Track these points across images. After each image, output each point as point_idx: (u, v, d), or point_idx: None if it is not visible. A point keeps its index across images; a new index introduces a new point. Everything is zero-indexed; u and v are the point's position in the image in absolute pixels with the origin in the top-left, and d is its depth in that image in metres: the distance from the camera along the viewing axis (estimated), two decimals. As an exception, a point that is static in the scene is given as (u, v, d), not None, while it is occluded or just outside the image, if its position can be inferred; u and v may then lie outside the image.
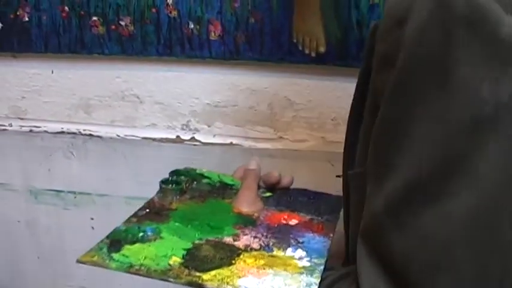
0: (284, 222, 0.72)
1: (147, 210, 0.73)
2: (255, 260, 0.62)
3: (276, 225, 0.70)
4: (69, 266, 1.52)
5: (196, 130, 1.37)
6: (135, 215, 0.71)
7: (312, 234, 0.68)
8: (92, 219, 1.50)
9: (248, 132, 1.33)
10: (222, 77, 1.31)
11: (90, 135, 1.41)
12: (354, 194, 0.61)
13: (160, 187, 0.79)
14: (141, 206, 0.74)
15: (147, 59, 1.32)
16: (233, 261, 0.62)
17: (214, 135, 1.36)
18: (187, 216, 0.72)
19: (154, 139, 1.38)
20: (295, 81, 1.30)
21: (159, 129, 1.39)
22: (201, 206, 0.75)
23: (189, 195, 0.78)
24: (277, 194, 0.80)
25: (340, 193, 0.68)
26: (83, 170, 1.45)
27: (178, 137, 1.37)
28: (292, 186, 0.81)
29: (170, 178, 0.81)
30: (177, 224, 0.70)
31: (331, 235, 0.69)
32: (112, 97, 1.39)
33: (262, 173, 0.79)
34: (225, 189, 0.80)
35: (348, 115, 0.64)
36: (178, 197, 0.77)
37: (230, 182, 0.81)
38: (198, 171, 0.82)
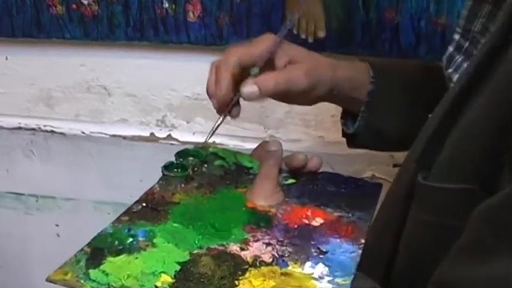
0: (306, 221, 0.65)
1: (144, 204, 0.66)
2: (264, 281, 0.54)
3: (295, 227, 0.64)
4: (35, 277, 1.49)
5: (174, 127, 1.30)
6: (128, 211, 0.65)
7: (338, 240, 0.61)
8: (57, 225, 1.45)
9: (234, 130, 1.24)
10: (203, 65, 1.06)
11: (52, 131, 1.34)
12: (424, 212, 0.55)
13: (163, 173, 0.72)
14: (139, 197, 0.68)
15: (115, 44, 1.22)
16: (236, 282, 0.54)
17: (194, 133, 1.28)
18: (190, 213, 0.65)
19: (125, 137, 1.30)
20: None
21: (131, 126, 1.32)
22: (208, 198, 0.69)
23: (197, 182, 0.72)
24: (302, 180, 0.73)
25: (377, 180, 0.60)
26: (45, 170, 1.39)
27: (152, 134, 1.29)
28: (320, 170, 0.75)
29: (175, 161, 0.74)
30: (175, 224, 0.63)
31: (362, 241, 0.61)
32: (76, 88, 1.31)
33: (285, 155, 0.73)
34: (240, 174, 0.74)
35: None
36: (183, 185, 0.71)
37: (248, 164, 0.75)
38: (211, 150, 0.76)
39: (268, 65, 0.70)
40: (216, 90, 0.69)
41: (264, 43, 0.70)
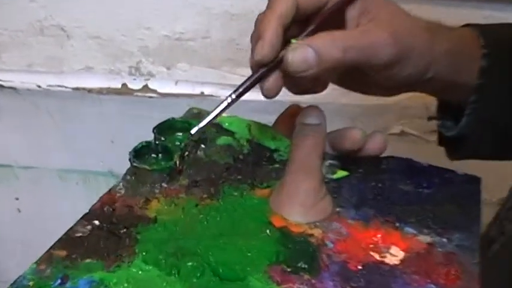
0: (376, 256, 0.43)
1: (95, 222, 0.47)
2: None
3: (359, 268, 0.43)
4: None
5: (151, 75, 1.18)
6: (66, 238, 0.45)
7: None
8: (17, 199, 1.36)
9: (226, 77, 1.15)
10: None
11: (1, 85, 1.22)
12: None
13: (131, 164, 0.51)
14: (84, 212, 0.48)
15: None
16: None
17: (176, 82, 1.17)
18: (174, 240, 0.45)
19: (90, 90, 1.19)
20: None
21: (97, 75, 1.19)
22: (206, 209, 0.48)
23: (187, 178, 0.51)
24: (359, 173, 0.53)
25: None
26: (-3, 134, 1.29)
27: (124, 85, 1.18)
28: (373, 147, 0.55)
29: (154, 142, 0.53)
30: (147, 267, 0.43)
31: None
32: (26, 31, 1.17)
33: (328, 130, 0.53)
34: (258, 161, 0.53)
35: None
36: (164, 184, 0.51)
37: (270, 144, 0.55)
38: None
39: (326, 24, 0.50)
40: (256, 48, 0.48)
41: None
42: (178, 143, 0.54)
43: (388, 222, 0.47)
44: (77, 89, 1.19)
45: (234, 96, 0.48)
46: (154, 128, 0.54)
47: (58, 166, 1.28)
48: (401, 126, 1.07)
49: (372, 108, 1.02)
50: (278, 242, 0.45)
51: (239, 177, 0.52)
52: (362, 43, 0.48)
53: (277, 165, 0.53)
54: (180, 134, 0.55)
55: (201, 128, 0.49)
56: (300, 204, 0.47)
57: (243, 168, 0.53)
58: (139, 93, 1.18)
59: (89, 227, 0.46)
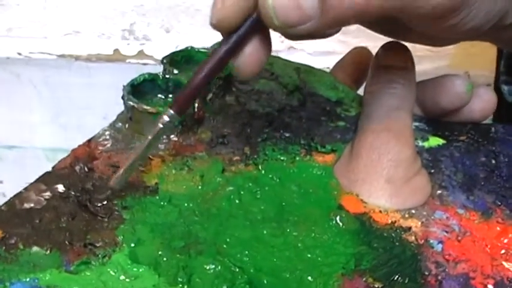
0: (503, 262, 0.31)
1: (57, 188, 0.33)
2: None
3: (484, 283, 0.30)
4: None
5: (147, 39, 1.10)
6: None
7: None
8: (1, 182, 1.28)
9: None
10: None
11: None
12: None
13: (125, 103, 0.39)
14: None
15: None
16: None
17: (177, 47, 1.02)
18: (185, 227, 0.31)
19: (78, 57, 1.11)
20: None
21: (86, 40, 1.11)
22: (236, 180, 0.34)
23: (210, 130, 0.38)
24: (459, 141, 0.41)
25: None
26: (-26, 109, 1.21)
27: (117, 51, 1.10)
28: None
29: (161, 75, 0.41)
30: (135, 269, 0.28)
31: None
32: None
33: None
34: (315, 116, 0.40)
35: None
36: (173, 136, 0.37)
37: (332, 97, 0.43)
38: None
39: None
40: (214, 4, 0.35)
41: None
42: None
43: (509, 213, 0.35)
44: (62, 56, 1.12)
45: (173, 112, 0.34)
46: (163, 58, 0.41)
47: (44, 144, 1.21)
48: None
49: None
50: (356, 238, 0.31)
51: (287, 134, 0.38)
52: None
53: (341, 123, 0.40)
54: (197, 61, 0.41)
55: (124, 175, 0.33)
56: (386, 179, 0.35)
57: (293, 124, 0.39)
58: (133, 60, 1.10)
59: (46, 195, 0.33)
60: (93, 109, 1.09)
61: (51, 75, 1.13)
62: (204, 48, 0.43)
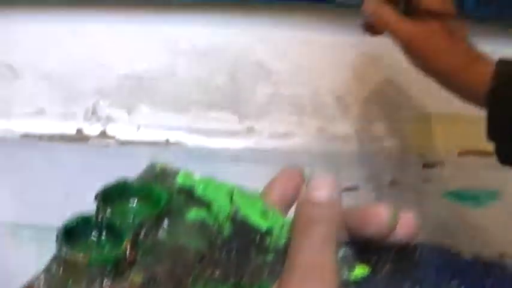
0: None
1: None
2: None
3: None
4: None
5: (110, 119, 1.12)
6: None
7: None
8: None
9: (196, 122, 1.10)
10: (149, 28, 1.09)
11: None
12: None
13: (59, 250, 0.36)
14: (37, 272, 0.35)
15: (19, 3, 1.09)
16: None
17: (138, 128, 1.11)
18: None
19: (41, 136, 1.13)
20: (272, 33, 1.09)
21: (49, 120, 1.13)
22: None
23: (142, 271, 0.37)
24: (385, 271, 0.41)
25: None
26: None
27: (79, 131, 1.12)
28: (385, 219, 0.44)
29: (95, 215, 0.39)
30: None
31: None
32: None
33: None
34: (245, 249, 0.40)
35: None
36: (107, 281, 0.35)
37: (261, 225, 0.41)
38: (179, 181, 0.42)
39: None
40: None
41: None
42: (131, 219, 0.40)
43: None
44: (26, 135, 1.13)
45: None
46: (97, 194, 0.40)
47: (8, 220, 1.19)
48: (390, 176, 1.03)
49: (358, 155, 0.99)
50: None
51: (217, 272, 0.38)
52: None
53: (270, 257, 0.40)
54: (134, 203, 0.41)
55: None
56: None
57: (223, 259, 0.39)
58: (96, 140, 1.11)
59: None
60: (56, 187, 1.11)
61: (16, 154, 1.14)
62: (138, 179, 0.43)
